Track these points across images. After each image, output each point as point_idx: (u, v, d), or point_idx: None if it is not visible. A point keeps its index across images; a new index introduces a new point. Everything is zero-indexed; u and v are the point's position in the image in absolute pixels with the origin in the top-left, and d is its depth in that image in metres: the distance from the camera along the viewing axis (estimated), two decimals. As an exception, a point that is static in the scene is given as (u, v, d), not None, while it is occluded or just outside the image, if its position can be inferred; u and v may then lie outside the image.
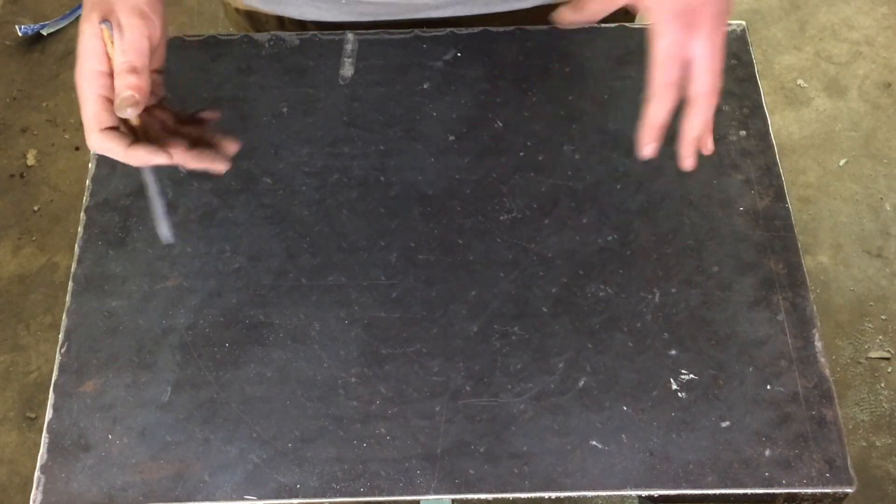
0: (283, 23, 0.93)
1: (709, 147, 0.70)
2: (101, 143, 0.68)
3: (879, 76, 2.00)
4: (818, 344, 0.73)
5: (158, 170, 0.71)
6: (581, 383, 0.71)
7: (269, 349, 0.73)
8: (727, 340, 0.73)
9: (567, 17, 0.74)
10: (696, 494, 0.68)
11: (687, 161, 0.70)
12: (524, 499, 0.68)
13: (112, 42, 0.67)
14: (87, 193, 0.81)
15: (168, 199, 0.78)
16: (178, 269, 0.76)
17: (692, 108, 0.68)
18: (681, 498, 0.69)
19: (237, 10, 0.96)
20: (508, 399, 0.71)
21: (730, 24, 0.88)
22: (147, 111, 0.71)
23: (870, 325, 1.69)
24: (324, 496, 0.68)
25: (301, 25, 0.91)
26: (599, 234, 0.78)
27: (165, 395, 0.71)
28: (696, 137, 0.69)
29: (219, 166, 0.73)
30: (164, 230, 0.74)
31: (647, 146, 0.69)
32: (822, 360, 0.72)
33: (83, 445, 0.70)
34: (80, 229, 0.79)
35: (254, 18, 0.95)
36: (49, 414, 0.71)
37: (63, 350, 0.74)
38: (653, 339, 0.73)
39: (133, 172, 0.81)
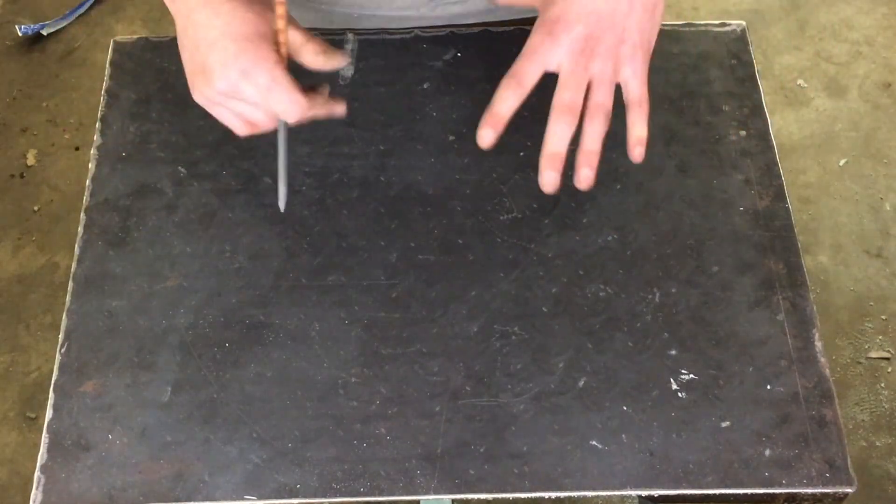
0: None
1: (581, 179, 0.71)
2: (306, 105, 0.72)
3: (879, 76, 2.00)
4: (818, 344, 0.73)
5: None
6: (581, 383, 0.71)
7: (269, 349, 0.73)
8: (727, 340, 0.73)
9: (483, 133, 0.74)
10: (696, 494, 0.68)
11: (542, 177, 0.71)
12: (524, 499, 0.68)
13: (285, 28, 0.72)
14: (87, 193, 0.81)
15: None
16: (178, 269, 0.76)
17: (549, 121, 0.70)
18: (681, 498, 0.69)
19: None
20: (508, 399, 0.71)
21: (730, 24, 0.88)
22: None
23: (870, 325, 1.69)
24: (324, 496, 0.68)
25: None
26: (599, 234, 0.78)
27: (165, 395, 0.71)
28: (551, 153, 0.70)
29: (339, 109, 0.77)
30: (283, 194, 0.76)
31: (545, 173, 0.70)
32: (822, 360, 0.72)
33: (83, 445, 0.70)
34: (80, 229, 0.79)
35: None
36: (49, 414, 0.71)
37: (63, 350, 0.74)
38: (653, 339, 0.73)
39: (133, 173, 0.81)
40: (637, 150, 0.72)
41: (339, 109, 0.77)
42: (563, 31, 0.70)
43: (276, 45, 0.72)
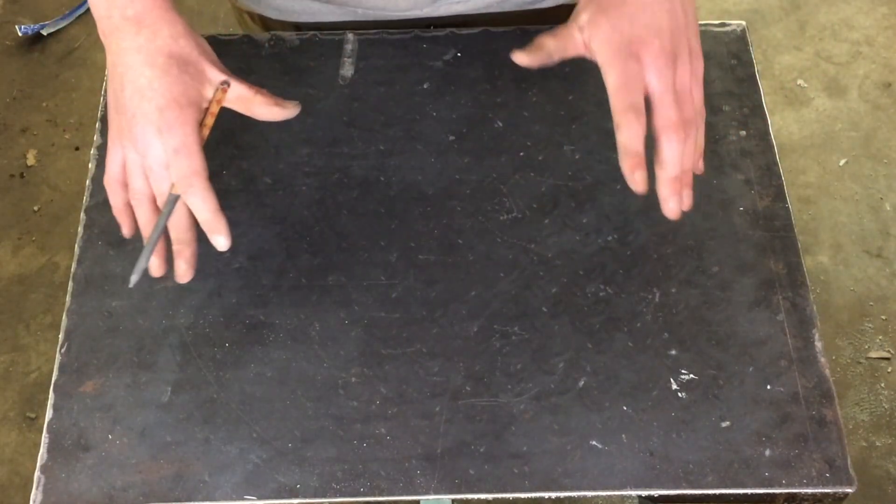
0: (298, 28, 0.93)
1: (685, 202, 0.70)
2: (205, 179, 0.70)
3: (879, 76, 2.00)
4: (818, 344, 0.73)
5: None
6: (581, 383, 0.71)
7: (269, 349, 0.73)
8: (727, 340, 0.73)
9: (522, 59, 0.75)
10: (696, 494, 0.68)
11: (666, 205, 0.70)
12: (524, 499, 0.68)
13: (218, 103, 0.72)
14: (87, 193, 0.81)
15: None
16: (178, 269, 0.76)
17: (658, 144, 0.69)
18: (681, 498, 0.69)
19: (251, 16, 0.96)
20: (508, 399, 0.71)
21: (730, 24, 0.88)
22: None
23: (870, 325, 1.69)
24: (324, 496, 0.68)
25: (316, 29, 0.91)
26: (599, 234, 0.78)
27: (165, 395, 0.71)
28: (671, 178, 0.69)
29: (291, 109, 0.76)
30: (140, 269, 0.71)
31: (634, 175, 0.68)
32: (822, 360, 0.72)
33: (83, 445, 0.70)
34: (80, 229, 0.79)
35: (269, 27, 0.95)
36: (49, 414, 0.71)
37: (63, 350, 0.74)
38: (653, 339, 0.73)
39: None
40: (700, 163, 0.73)
41: (282, 109, 0.76)
42: (644, 51, 0.69)
43: (202, 116, 0.71)
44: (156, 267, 0.72)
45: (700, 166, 0.73)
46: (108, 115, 0.73)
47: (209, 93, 0.72)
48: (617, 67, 0.69)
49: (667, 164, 0.69)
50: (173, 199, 0.70)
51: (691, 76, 0.70)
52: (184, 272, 0.72)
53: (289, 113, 0.76)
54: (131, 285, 0.70)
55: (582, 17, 0.72)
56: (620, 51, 0.69)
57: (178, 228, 0.71)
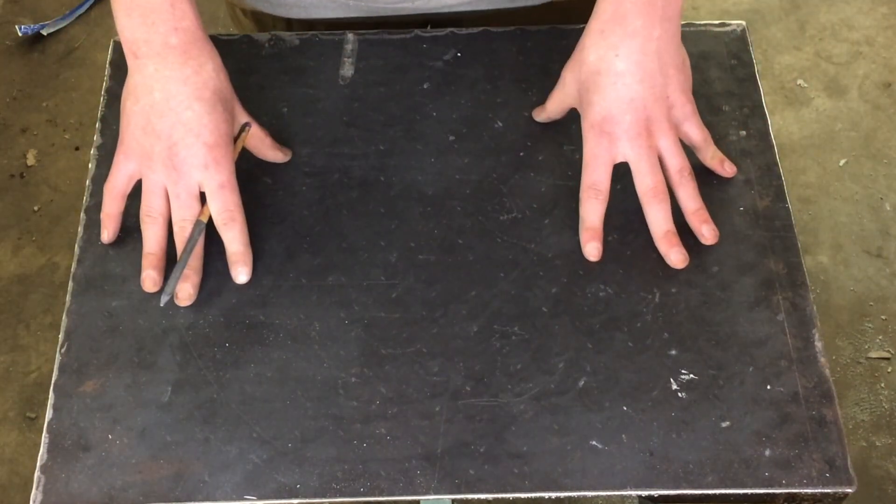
0: (290, 25, 0.93)
1: (706, 236, 0.76)
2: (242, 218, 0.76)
3: (879, 76, 2.00)
4: (818, 344, 0.73)
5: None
6: (581, 383, 0.71)
7: (269, 349, 0.73)
8: (727, 340, 0.73)
9: (537, 116, 0.83)
10: (696, 494, 0.68)
11: (668, 258, 0.76)
12: (524, 499, 0.68)
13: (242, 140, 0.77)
14: (87, 193, 0.81)
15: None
16: (178, 269, 0.76)
17: (644, 209, 0.75)
18: (681, 498, 0.69)
19: (244, 11, 0.96)
20: (508, 399, 0.71)
21: (730, 24, 0.88)
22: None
23: (870, 325, 1.69)
24: (324, 496, 0.68)
25: (309, 26, 0.91)
26: (599, 234, 0.78)
27: (165, 395, 0.71)
28: (662, 235, 0.75)
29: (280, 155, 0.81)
30: (170, 293, 0.74)
31: (587, 246, 0.76)
32: (822, 360, 0.72)
33: (83, 445, 0.70)
34: (80, 229, 0.79)
35: (261, 22, 0.95)
36: (49, 414, 0.71)
37: (63, 350, 0.74)
38: (653, 339, 0.73)
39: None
40: (726, 165, 0.79)
41: (283, 155, 0.81)
42: (614, 127, 0.74)
43: (232, 152, 0.75)
44: (152, 282, 0.74)
45: (728, 169, 0.80)
46: (128, 131, 0.75)
47: (235, 129, 0.77)
48: (587, 144, 0.76)
49: (653, 225, 0.76)
50: (201, 228, 0.74)
51: (673, 130, 0.75)
52: (189, 296, 0.74)
53: (286, 157, 0.81)
54: (162, 304, 0.74)
55: (567, 81, 0.78)
56: (593, 128, 0.75)
57: (194, 256, 0.74)
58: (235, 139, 0.77)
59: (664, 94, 0.74)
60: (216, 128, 0.73)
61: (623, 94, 0.73)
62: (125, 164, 0.75)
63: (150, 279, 0.74)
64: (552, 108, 0.81)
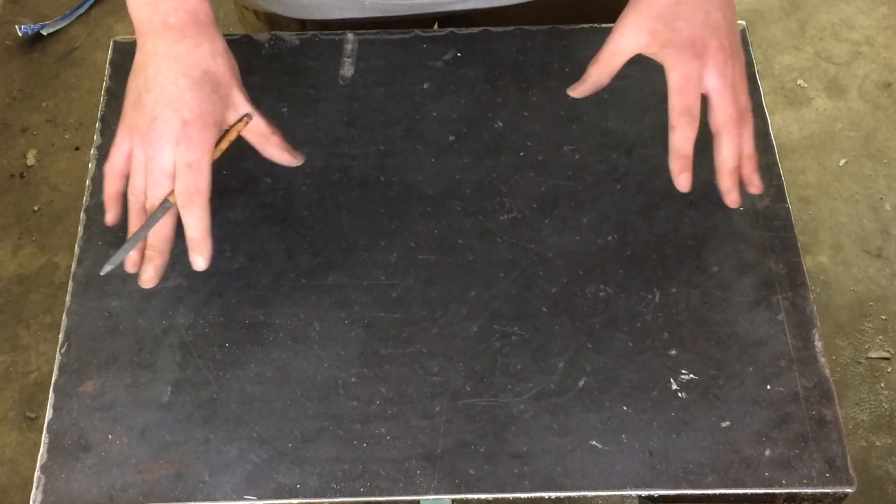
0: (305, 26, 0.93)
1: (756, 184, 0.75)
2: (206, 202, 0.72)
3: (879, 76, 2.00)
4: (818, 344, 0.73)
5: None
6: (581, 383, 0.71)
7: (269, 349, 0.73)
8: (727, 340, 0.73)
9: (575, 92, 0.80)
10: (696, 494, 0.68)
11: (729, 196, 0.75)
12: (524, 499, 0.68)
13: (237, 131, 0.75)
14: (87, 193, 0.81)
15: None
16: (178, 269, 0.76)
17: (717, 141, 0.73)
18: (681, 498, 0.69)
19: (255, 13, 0.96)
20: (508, 399, 0.71)
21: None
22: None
23: (870, 325, 1.69)
24: (324, 496, 0.68)
25: (324, 27, 0.91)
26: (599, 234, 0.78)
27: (165, 395, 0.71)
28: (731, 170, 0.73)
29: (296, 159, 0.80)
30: (115, 263, 0.73)
31: (680, 177, 0.74)
32: (822, 360, 0.72)
33: (83, 445, 0.70)
34: (80, 229, 0.79)
35: (275, 24, 0.95)
36: (49, 414, 0.71)
37: (63, 350, 0.74)
38: (653, 339, 0.73)
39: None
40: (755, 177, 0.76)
41: (292, 158, 0.79)
42: (705, 50, 0.72)
43: (218, 139, 0.73)
44: (132, 262, 0.73)
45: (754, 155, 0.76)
46: (125, 108, 0.74)
47: (231, 118, 0.74)
48: (678, 69, 0.73)
49: (727, 158, 0.73)
50: (166, 207, 0.71)
51: (741, 67, 0.74)
52: (149, 278, 0.73)
53: (296, 162, 0.79)
54: (103, 273, 0.72)
55: (629, 25, 0.75)
56: (683, 51, 0.72)
57: (158, 237, 0.72)
58: (230, 128, 0.75)
59: (734, 29, 0.74)
60: (197, 105, 0.71)
61: (709, 20, 0.73)
62: (121, 142, 0.74)
63: (130, 260, 0.73)
64: (603, 67, 0.77)
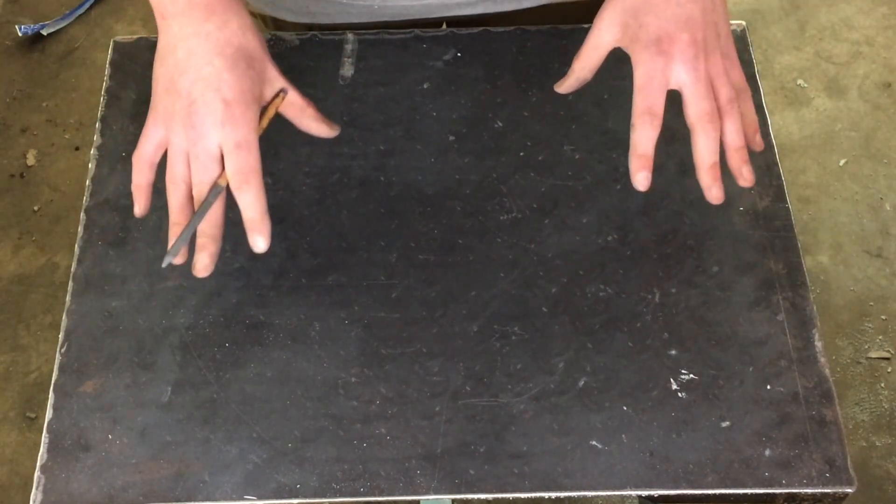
0: (311, 30, 0.93)
1: (745, 177, 0.72)
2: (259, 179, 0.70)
3: (879, 76, 2.00)
4: (818, 344, 0.73)
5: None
6: (581, 383, 0.71)
7: (269, 349, 0.73)
8: (727, 340, 0.73)
9: (562, 88, 0.78)
10: (696, 494, 0.68)
11: (709, 193, 0.72)
12: (524, 499, 0.68)
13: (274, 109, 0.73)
14: (87, 193, 0.81)
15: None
16: (178, 269, 0.76)
17: (692, 137, 0.71)
18: (681, 498, 0.69)
19: (264, 20, 0.95)
20: (508, 399, 0.71)
21: (730, 24, 0.88)
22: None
23: (870, 325, 1.69)
24: (324, 496, 0.68)
25: (328, 30, 0.91)
26: (599, 234, 0.78)
27: (165, 395, 0.71)
28: (708, 166, 0.71)
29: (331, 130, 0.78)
30: (174, 253, 0.70)
31: (638, 175, 0.71)
32: (822, 360, 0.72)
33: (83, 445, 0.70)
34: (80, 229, 0.79)
35: (282, 29, 0.94)
36: (49, 414, 0.71)
37: (63, 350, 0.74)
38: (653, 339, 0.73)
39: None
40: (757, 137, 0.74)
41: (329, 129, 0.77)
42: (671, 47, 0.70)
43: (260, 115, 0.71)
44: (181, 253, 0.71)
45: (758, 140, 0.75)
46: (155, 94, 0.71)
47: (268, 93, 0.73)
48: (641, 67, 0.71)
49: (701, 154, 0.71)
50: (218, 191, 0.69)
51: (724, 59, 0.71)
52: (205, 266, 0.70)
53: (333, 133, 0.78)
54: (164, 265, 0.70)
55: (604, 20, 0.73)
56: (647, 48, 0.70)
57: (211, 223, 0.70)
58: (269, 104, 0.73)
59: (713, 19, 0.71)
60: (236, 83, 0.69)
61: (679, 13, 0.70)
62: (153, 130, 0.71)
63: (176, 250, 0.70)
64: (584, 63, 0.76)
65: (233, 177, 0.69)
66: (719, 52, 0.71)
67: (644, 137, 0.70)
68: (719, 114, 0.71)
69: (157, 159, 0.72)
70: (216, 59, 0.69)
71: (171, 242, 0.70)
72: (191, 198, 0.70)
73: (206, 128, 0.68)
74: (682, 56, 0.70)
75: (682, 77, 0.70)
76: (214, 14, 0.70)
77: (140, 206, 0.73)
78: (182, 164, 0.70)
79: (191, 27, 0.70)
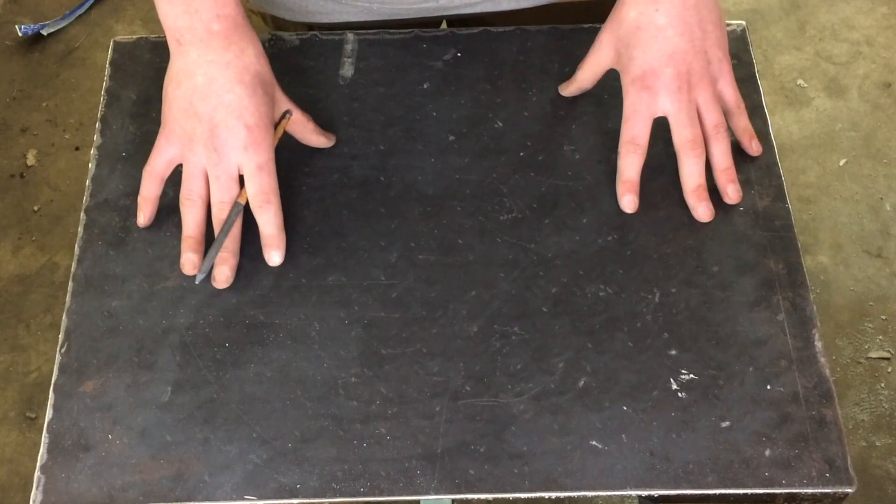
0: (310, 29, 0.93)
1: (730, 195, 0.78)
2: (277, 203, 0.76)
3: (879, 76, 2.00)
4: (818, 344, 0.73)
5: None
6: (581, 383, 0.71)
7: (269, 349, 0.73)
8: (727, 340, 0.73)
9: (564, 90, 0.84)
10: (696, 494, 0.68)
11: (695, 212, 0.77)
12: (524, 499, 0.68)
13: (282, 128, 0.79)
14: (87, 193, 0.81)
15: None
16: (178, 269, 0.76)
17: (678, 160, 0.77)
18: (681, 498, 0.69)
19: (263, 17, 0.96)
20: (508, 399, 0.71)
21: (730, 24, 0.88)
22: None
23: (870, 325, 1.69)
24: (324, 496, 0.68)
25: (327, 29, 0.91)
26: (599, 234, 0.78)
27: (165, 395, 0.71)
28: (693, 188, 0.77)
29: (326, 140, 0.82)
30: (206, 271, 0.75)
31: (624, 198, 0.77)
32: (822, 360, 0.72)
33: (83, 445, 0.70)
34: (80, 229, 0.79)
35: (281, 27, 0.94)
36: (49, 414, 0.71)
37: (63, 350, 0.74)
38: (653, 339, 0.73)
39: (133, 172, 0.81)
40: (754, 143, 0.80)
41: (327, 140, 0.82)
42: (655, 81, 0.75)
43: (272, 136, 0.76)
44: (192, 264, 0.75)
45: (755, 146, 0.80)
46: (170, 115, 0.75)
47: (276, 115, 0.78)
48: (628, 99, 0.77)
49: (686, 178, 0.77)
50: (239, 210, 0.75)
51: (713, 84, 0.77)
52: (227, 278, 0.75)
53: (330, 143, 0.82)
54: (197, 281, 0.75)
55: (603, 42, 0.79)
56: (634, 83, 0.76)
57: (231, 238, 0.75)
58: (276, 125, 0.78)
59: (703, 48, 0.75)
60: (257, 110, 0.74)
61: (664, 48, 0.74)
62: (167, 147, 0.76)
63: (189, 262, 0.75)
64: (585, 74, 0.81)
65: (254, 197, 0.74)
66: (708, 78, 0.76)
67: (628, 165, 0.77)
68: (705, 138, 0.76)
69: (167, 175, 0.77)
70: (237, 87, 0.74)
71: (186, 255, 0.75)
72: (206, 213, 0.75)
73: (228, 150, 0.74)
74: (666, 90, 0.75)
75: (667, 107, 0.75)
76: (233, 43, 0.75)
77: (145, 217, 0.78)
78: (199, 181, 0.75)
79: (211, 55, 0.74)
